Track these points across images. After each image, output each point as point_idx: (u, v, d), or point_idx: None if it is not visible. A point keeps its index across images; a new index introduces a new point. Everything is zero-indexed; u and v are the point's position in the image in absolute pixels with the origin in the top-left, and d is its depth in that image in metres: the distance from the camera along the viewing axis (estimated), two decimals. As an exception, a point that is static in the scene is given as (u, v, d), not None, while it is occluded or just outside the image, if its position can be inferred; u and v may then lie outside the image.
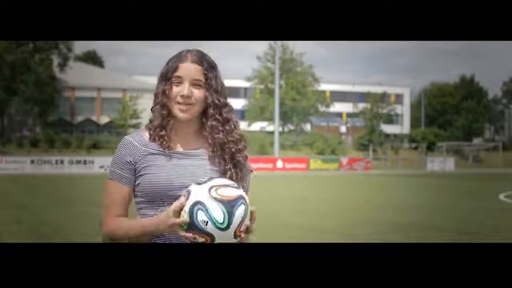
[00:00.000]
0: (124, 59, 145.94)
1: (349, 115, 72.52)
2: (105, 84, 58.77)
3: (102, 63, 75.18)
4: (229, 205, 2.00)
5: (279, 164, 44.64)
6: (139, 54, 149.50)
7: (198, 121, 2.29)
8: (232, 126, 2.28)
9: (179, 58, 2.26)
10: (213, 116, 2.26)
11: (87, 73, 59.37)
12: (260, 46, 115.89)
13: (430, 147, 61.59)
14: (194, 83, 2.22)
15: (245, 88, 68.48)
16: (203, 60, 2.26)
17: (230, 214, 1.99)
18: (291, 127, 64.97)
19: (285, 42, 60.89)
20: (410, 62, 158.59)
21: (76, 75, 54.16)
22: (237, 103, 60.80)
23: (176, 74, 2.23)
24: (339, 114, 75.20)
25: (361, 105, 65.10)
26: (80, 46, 70.30)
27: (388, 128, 67.22)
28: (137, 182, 2.24)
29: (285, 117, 62.79)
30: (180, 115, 2.22)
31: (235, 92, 66.93)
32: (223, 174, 2.21)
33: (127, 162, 2.24)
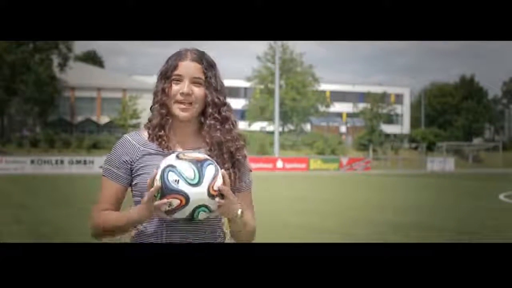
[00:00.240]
0: (124, 59, 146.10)
1: (349, 115, 72.50)
2: (105, 84, 58.75)
3: (102, 63, 75.17)
4: (198, 163, 2.02)
5: (279, 164, 44.64)
6: (139, 54, 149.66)
7: (197, 121, 2.27)
8: (231, 125, 2.27)
9: (178, 56, 2.25)
10: (212, 114, 2.24)
11: (87, 73, 59.35)
12: (260, 46, 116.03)
13: (430, 147, 61.58)
14: (194, 81, 2.22)
15: (245, 88, 68.48)
16: (202, 58, 2.25)
17: (200, 171, 2.01)
18: (291, 127, 64.96)
19: (285, 42, 60.89)
20: (410, 62, 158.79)
21: (76, 75, 54.15)
22: (237, 103, 60.88)
23: (176, 72, 2.22)
24: (339, 114, 75.18)
25: (361, 105, 65.07)
26: (80, 46, 70.40)
27: (388, 128, 67.20)
28: (134, 182, 2.24)
29: (285, 117, 62.78)
30: (181, 114, 2.21)
31: (235, 92, 66.91)
32: None
33: (124, 161, 2.24)
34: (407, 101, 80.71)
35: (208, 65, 2.25)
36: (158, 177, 2.02)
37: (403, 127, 75.88)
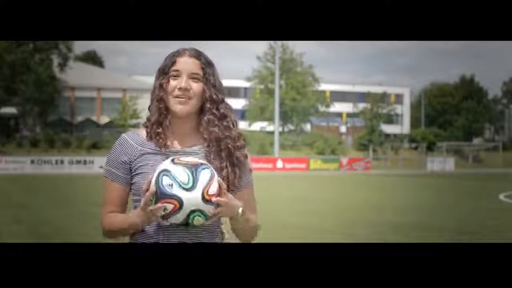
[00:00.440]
0: (124, 59, 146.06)
1: (349, 115, 72.48)
2: (105, 84, 58.72)
3: (102, 63, 75.15)
4: (193, 168, 2.03)
5: (279, 164, 44.64)
6: (139, 54, 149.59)
7: (195, 118, 2.26)
8: (230, 123, 2.26)
9: (176, 53, 2.25)
10: (210, 110, 2.24)
11: (87, 73, 59.32)
12: (260, 46, 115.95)
13: (430, 147, 61.55)
14: (192, 77, 2.21)
15: (245, 88, 68.47)
16: (201, 55, 2.25)
17: (194, 175, 2.01)
18: (291, 127, 64.93)
19: (285, 42, 60.87)
20: (410, 62, 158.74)
21: (76, 75, 54.11)
22: (237, 103, 60.88)
23: (174, 68, 2.22)
24: (339, 114, 75.16)
25: (361, 105, 65.04)
26: (80, 46, 70.38)
27: (388, 128, 67.18)
28: (133, 181, 2.24)
29: (285, 117, 62.75)
30: (178, 107, 2.20)
31: (235, 92, 66.93)
32: (218, 171, 2.15)
33: (122, 161, 2.24)
34: (407, 101, 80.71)
35: (207, 62, 2.25)
36: (153, 181, 2.03)
37: (403, 127, 75.86)
